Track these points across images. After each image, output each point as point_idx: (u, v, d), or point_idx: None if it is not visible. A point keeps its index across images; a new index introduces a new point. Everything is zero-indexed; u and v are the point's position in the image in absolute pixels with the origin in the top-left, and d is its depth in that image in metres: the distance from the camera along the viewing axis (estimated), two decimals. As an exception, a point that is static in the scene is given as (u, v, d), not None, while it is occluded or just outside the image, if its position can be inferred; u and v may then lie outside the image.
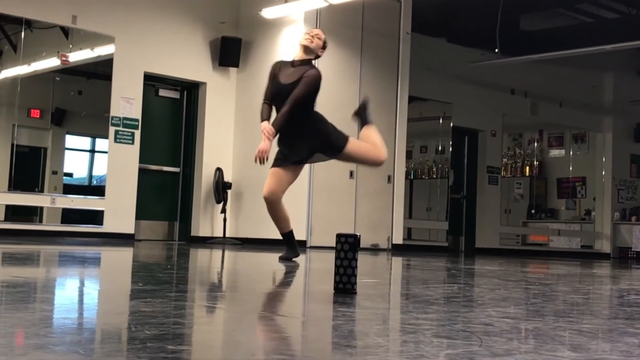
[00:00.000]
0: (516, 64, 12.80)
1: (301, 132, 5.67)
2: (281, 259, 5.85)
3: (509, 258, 10.32)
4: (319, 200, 10.46)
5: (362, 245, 9.87)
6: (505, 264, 7.78)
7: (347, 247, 2.95)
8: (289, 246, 5.90)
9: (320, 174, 10.44)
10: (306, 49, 5.79)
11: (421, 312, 2.51)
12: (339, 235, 2.98)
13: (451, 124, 13.14)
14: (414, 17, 11.33)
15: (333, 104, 10.77)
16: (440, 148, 13.54)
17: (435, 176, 13.47)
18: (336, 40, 10.80)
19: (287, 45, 10.68)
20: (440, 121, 13.35)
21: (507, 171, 14.99)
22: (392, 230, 11.09)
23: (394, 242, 11.05)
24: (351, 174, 10.82)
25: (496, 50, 11.76)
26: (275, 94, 5.68)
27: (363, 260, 6.70)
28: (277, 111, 5.66)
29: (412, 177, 13.41)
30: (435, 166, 13.51)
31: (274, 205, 5.69)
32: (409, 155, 12.33)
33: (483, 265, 7.27)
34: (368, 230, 10.67)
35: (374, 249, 10.67)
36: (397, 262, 7.45)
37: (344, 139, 5.87)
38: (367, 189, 10.93)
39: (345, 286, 2.92)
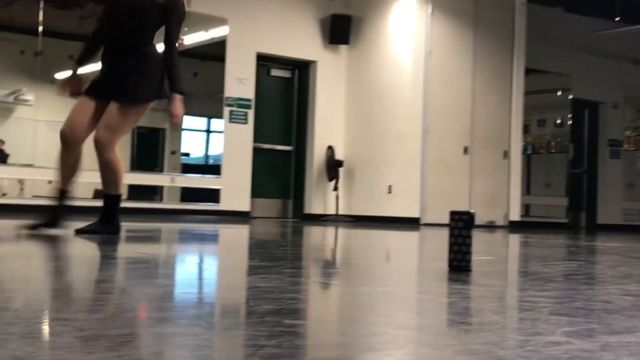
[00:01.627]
0: (638, 33, 12.25)
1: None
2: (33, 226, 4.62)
3: (632, 235, 9.95)
4: (432, 176, 10.36)
5: (477, 222, 9.74)
6: (628, 240, 7.50)
7: (461, 225, 2.91)
8: (58, 211, 4.69)
9: (433, 150, 10.34)
10: None
11: (538, 290, 2.46)
12: (452, 213, 2.94)
13: (570, 97, 12.73)
14: (530, -14, 11.01)
15: (446, 78, 10.64)
16: (558, 121, 13.14)
17: (553, 150, 13.09)
18: (448, 13, 10.63)
19: (397, 21, 10.58)
20: (559, 94, 12.95)
21: (630, 144, 14.39)
22: (508, 207, 10.87)
23: (510, 219, 10.84)
24: (465, 149, 10.66)
25: (616, 18, 11.28)
26: (113, 29, 4.59)
27: (478, 238, 6.61)
28: (108, 50, 4.61)
29: (529, 152, 13.08)
30: (554, 140, 13.13)
31: (69, 146, 4.57)
32: (526, 129, 12.02)
33: (604, 242, 7.04)
34: (484, 207, 10.50)
35: (490, 226, 10.50)
36: (514, 239, 7.31)
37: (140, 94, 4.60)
38: (482, 164, 10.75)
39: (459, 263, 2.88)
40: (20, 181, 9.83)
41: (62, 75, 10.71)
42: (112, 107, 4.46)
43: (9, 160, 9.79)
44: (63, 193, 4.66)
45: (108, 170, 4.55)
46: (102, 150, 4.47)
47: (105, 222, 4.60)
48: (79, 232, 4.52)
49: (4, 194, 9.63)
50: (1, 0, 9.71)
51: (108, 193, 4.64)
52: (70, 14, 10.45)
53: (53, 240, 4.12)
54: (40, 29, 9.58)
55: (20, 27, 10.12)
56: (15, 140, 10.05)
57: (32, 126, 9.94)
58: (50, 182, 9.80)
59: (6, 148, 9.97)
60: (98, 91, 4.54)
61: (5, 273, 2.57)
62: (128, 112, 4.53)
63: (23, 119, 10.09)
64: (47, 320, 1.55)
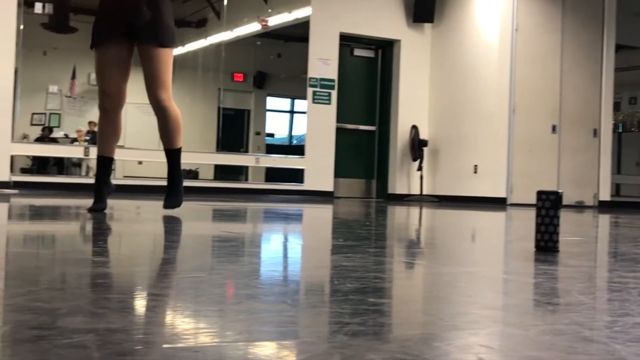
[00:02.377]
0: None
1: None
2: (91, 210, 4.49)
3: None
4: (519, 156, 10.19)
5: (565, 202, 9.54)
6: None
7: (548, 205, 2.87)
8: (104, 186, 4.54)
9: (520, 129, 10.16)
10: None
11: (628, 271, 2.40)
12: (539, 193, 2.89)
13: (663, 73, 12.30)
14: (621, -41, 10.65)
15: (534, 55, 10.42)
16: (651, 99, 12.72)
17: (645, 129, 12.68)
18: (535, -10, 10.39)
19: (483, -2, 10.41)
20: (651, 70, 12.52)
21: None
22: (598, 187, 10.61)
23: (600, 199, 10.58)
24: (553, 128, 10.44)
25: None
26: None
27: (566, 218, 6.47)
28: None
29: (620, 130, 12.70)
30: (646, 118, 12.72)
31: (111, 115, 4.49)
32: (616, 107, 11.69)
33: (699, 223, 6.79)
34: (572, 186, 10.28)
35: (579, 206, 10.27)
36: (604, 219, 7.13)
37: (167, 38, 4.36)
38: (570, 143, 10.52)
39: (546, 244, 2.84)
40: (112, 162, 10.12)
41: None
42: (156, 60, 4.29)
43: (101, 142, 10.08)
44: (107, 161, 4.57)
45: (175, 124, 4.49)
46: (168, 109, 4.41)
47: (176, 185, 4.59)
48: (167, 207, 4.61)
49: (97, 175, 9.94)
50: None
51: (173, 147, 4.58)
52: None
53: (136, 218, 4.24)
54: (129, 13, 9.81)
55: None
56: (107, 122, 10.34)
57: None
58: (140, 162, 10.08)
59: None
60: (113, 33, 4.25)
61: (101, 250, 2.67)
62: (169, 56, 4.38)
63: (113, 101, 10.36)
64: (141, 295, 1.60)
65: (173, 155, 4.60)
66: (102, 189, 4.48)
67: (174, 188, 4.62)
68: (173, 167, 4.63)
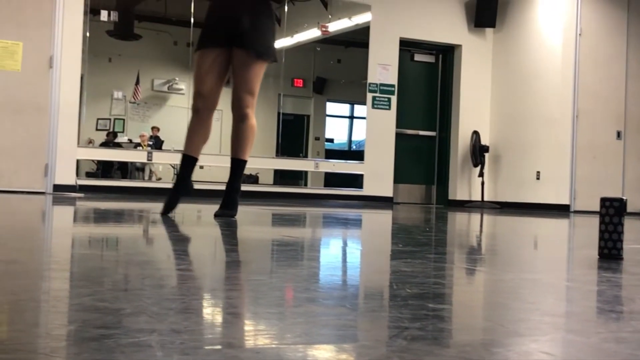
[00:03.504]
0: None
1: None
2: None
3: None
4: (583, 162, 10.02)
5: (630, 209, 9.33)
6: None
7: (612, 212, 2.81)
8: (183, 182, 4.69)
9: (584, 135, 9.99)
10: None
11: (697, 280, 2.34)
12: (603, 199, 2.84)
13: None
14: (690, -39, 10.39)
15: (599, 60, 10.23)
16: None
17: None
18: (600, -7, 10.21)
19: (545, 2, 10.27)
20: None
21: None
22: (664, 194, 10.36)
23: (666, 207, 10.32)
24: (618, 134, 10.23)
25: None
26: None
27: (631, 226, 6.33)
28: None
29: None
30: None
31: (203, 114, 4.57)
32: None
33: None
34: (637, 193, 10.06)
35: (644, 214, 10.03)
36: (670, 227, 6.94)
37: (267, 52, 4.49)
38: (636, 149, 10.29)
39: (610, 252, 2.79)
40: (174, 166, 10.28)
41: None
42: (248, 68, 4.37)
43: (164, 147, 10.25)
44: (191, 161, 4.64)
45: (250, 134, 4.58)
46: (248, 116, 4.50)
47: (233, 196, 4.59)
48: (217, 215, 4.58)
49: (159, 179, 10.10)
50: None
51: (241, 158, 4.61)
52: (219, 5, 10.80)
53: (198, 222, 4.29)
54: (192, 20, 9.95)
55: (174, 19, 10.55)
56: (169, 128, 10.52)
57: (184, 114, 10.36)
58: (201, 167, 10.23)
59: (161, 134, 10.45)
60: (215, 38, 4.40)
61: (158, 255, 2.71)
62: (262, 69, 4.46)
63: (176, 106, 10.53)
64: (203, 297, 1.63)
65: (238, 165, 4.63)
66: (179, 190, 4.62)
67: (231, 198, 4.63)
68: (234, 177, 4.65)
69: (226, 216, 4.58)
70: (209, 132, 4.62)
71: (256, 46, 4.35)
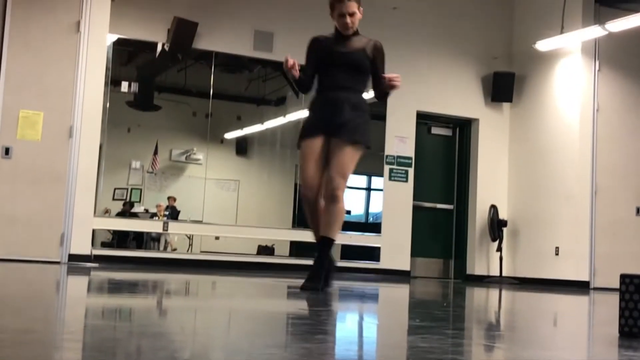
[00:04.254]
0: None
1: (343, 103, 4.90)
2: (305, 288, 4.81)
3: None
4: (602, 238, 9.91)
5: (650, 286, 9.17)
6: None
7: (632, 289, 2.76)
8: (321, 266, 4.91)
9: (603, 212, 9.92)
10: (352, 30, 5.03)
11: None
12: (623, 276, 2.79)
13: None
14: None
15: (617, 136, 10.22)
16: None
17: None
18: (617, 70, 10.27)
19: (563, 78, 10.34)
20: None
21: None
22: (685, 271, 10.19)
23: (687, 284, 10.14)
24: (638, 210, 10.15)
25: None
26: (332, 70, 4.97)
27: (653, 303, 6.20)
28: (328, 87, 4.96)
29: None
30: None
31: (311, 199, 4.87)
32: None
33: None
34: (657, 270, 9.90)
35: (665, 291, 9.86)
36: (693, 305, 6.80)
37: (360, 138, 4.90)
38: (657, 225, 10.18)
39: (631, 330, 2.72)
40: (190, 237, 10.26)
41: (231, 135, 11.21)
42: (343, 152, 4.74)
43: (180, 217, 10.26)
44: (325, 241, 4.86)
45: (338, 215, 4.80)
46: (338, 199, 4.75)
47: (322, 269, 4.81)
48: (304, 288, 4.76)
49: (174, 249, 10.08)
50: (177, 65, 10.32)
51: (330, 237, 4.81)
52: (238, 77, 10.95)
53: (212, 294, 4.24)
54: (211, 91, 10.08)
55: (193, 90, 10.69)
56: (186, 198, 10.54)
57: (201, 184, 10.40)
58: (217, 238, 10.21)
59: (177, 205, 10.47)
60: (318, 129, 4.82)
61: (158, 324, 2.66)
62: (357, 155, 4.84)
63: (193, 177, 10.57)
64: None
65: (326, 243, 4.83)
66: (319, 269, 4.83)
67: (316, 272, 4.81)
68: (322, 254, 4.85)
69: (310, 289, 4.71)
70: (320, 210, 4.88)
71: (351, 133, 4.78)
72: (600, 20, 9.67)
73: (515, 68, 11.09)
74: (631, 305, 2.74)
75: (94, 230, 8.89)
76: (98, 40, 8.55)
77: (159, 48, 9.49)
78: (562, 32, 9.93)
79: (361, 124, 4.87)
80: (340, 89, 4.91)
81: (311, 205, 4.84)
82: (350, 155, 4.76)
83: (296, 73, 4.83)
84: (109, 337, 2.05)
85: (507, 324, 3.76)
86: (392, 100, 10.61)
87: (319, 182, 4.79)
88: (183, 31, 9.18)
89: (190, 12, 9.30)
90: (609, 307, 5.56)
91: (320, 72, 5.00)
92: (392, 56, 10.54)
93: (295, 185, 10.67)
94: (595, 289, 9.62)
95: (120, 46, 9.45)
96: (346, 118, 4.78)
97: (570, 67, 10.25)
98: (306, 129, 4.91)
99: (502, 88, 11.03)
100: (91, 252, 8.61)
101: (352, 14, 4.95)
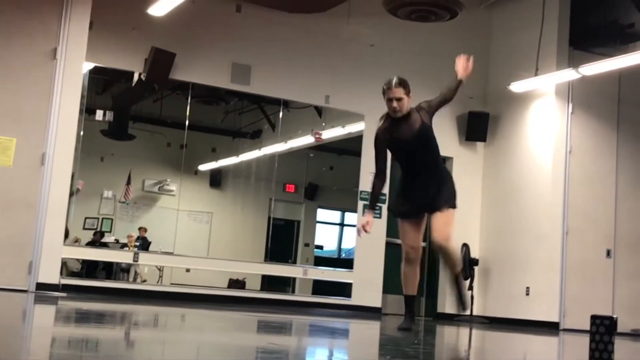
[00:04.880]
0: None
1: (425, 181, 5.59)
2: (401, 329, 5.59)
3: None
4: (572, 280, 9.95)
5: (620, 329, 9.20)
6: None
7: (602, 330, 2.76)
8: (411, 313, 5.75)
9: (574, 253, 9.97)
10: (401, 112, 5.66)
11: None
12: (593, 317, 2.80)
13: None
14: (677, 86, 10.63)
15: (589, 178, 10.32)
16: None
17: None
18: (590, 113, 10.40)
19: (536, 120, 10.45)
20: None
21: None
22: (655, 315, 10.25)
23: (657, 328, 10.19)
24: (608, 252, 10.22)
25: None
26: (402, 157, 5.72)
27: (621, 345, 6.22)
28: (405, 175, 5.67)
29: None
30: None
31: (413, 264, 5.66)
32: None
33: None
34: (628, 313, 9.95)
35: (635, 335, 9.91)
36: (662, 349, 6.84)
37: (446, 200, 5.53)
38: (626, 269, 10.25)
39: (604, 371, 2.71)
40: (160, 268, 10.17)
41: (205, 167, 11.15)
42: (440, 219, 5.39)
43: (151, 248, 10.17)
44: (413, 298, 5.72)
45: (454, 256, 5.51)
46: (447, 245, 5.42)
47: (462, 297, 5.59)
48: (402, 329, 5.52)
49: (144, 281, 9.97)
50: (153, 95, 10.31)
51: (458, 270, 5.54)
52: (215, 109, 10.95)
53: (181, 326, 4.17)
54: (187, 122, 10.05)
55: (169, 120, 10.67)
56: (158, 229, 10.46)
57: (173, 215, 10.34)
58: (187, 270, 10.13)
59: (149, 235, 10.38)
60: (414, 213, 5.52)
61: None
62: (452, 215, 5.47)
63: (166, 208, 10.51)
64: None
65: (458, 276, 5.58)
66: (412, 313, 5.70)
67: (411, 315, 5.67)
68: (455, 286, 5.61)
69: (406, 329, 5.50)
70: (419, 273, 5.73)
71: (448, 202, 5.43)
72: (574, 63, 9.80)
73: (490, 108, 11.19)
74: (601, 346, 2.74)
75: (63, 260, 8.77)
76: (74, 67, 8.51)
77: (136, 77, 9.46)
78: (536, 74, 10.04)
79: (446, 192, 5.49)
80: (420, 172, 5.56)
81: (412, 265, 5.62)
82: (448, 218, 5.42)
83: (369, 228, 5.63)
84: (74, 368, 2.00)
85: (478, 363, 3.74)
86: (367, 137, 10.65)
87: (420, 246, 5.65)
88: (160, 61, 9.16)
89: (168, 43, 9.29)
90: (579, 347, 5.56)
91: (395, 159, 5.79)
92: (367, 92, 10.64)
93: (269, 218, 10.63)
94: (565, 329, 9.63)
95: (96, 74, 9.41)
96: (435, 195, 5.42)
97: (544, 109, 10.36)
98: (403, 213, 5.60)
99: (476, 127, 11.11)
100: (59, 281, 8.48)
101: (399, 99, 5.57)
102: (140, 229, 10.36)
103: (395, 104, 5.54)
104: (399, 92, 5.57)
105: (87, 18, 8.56)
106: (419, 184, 5.52)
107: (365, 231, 5.55)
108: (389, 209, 5.89)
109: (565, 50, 10.17)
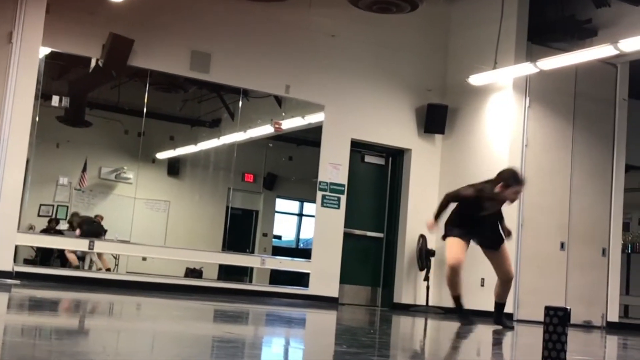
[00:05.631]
0: None
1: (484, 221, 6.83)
2: (468, 324, 6.70)
3: None
4: (527, 272, 10.08)
5: (573, 320, 9.33)
6: None
7: (556, 321, 2.80)
8: (463, 310, 6.85)
9: (529, 245, 10.10)
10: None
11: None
12: (547, 308, 2.84)
13: (676, 196, 12.28)
14: (631, 82, 10.81)
15: (544, 172, 10.45)
16: (661, 220, 12.69)
17: (655, 250, 12.61)
18: (547, 107, 10.53)
19: (494, 112, 10.55)
20: (661, 192, 12.53)
21: None
22: (606, 307, 10.44)
23: (608, 320, 10.39)
24: (562, 245, 10.37)
25: None
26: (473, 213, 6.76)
27: (574, 337, 6.32)
28: (471, 212, 6.76)
29: (629, 251, 12.62)
30: (656, 239, 12.66)
31: (459, 272, 6.66)
32: (626, 227, 11.63)
33: None
34: (580, 305, 10.12)
35: (587, 326, 10.09)
36: (612, 340, 6.99)
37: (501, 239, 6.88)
38: (579, 261, 10.41)
39: (555, 361, 2.76)
40: (116, 256, 10.07)
41: (163, 155, 11.06)
42: (500, 254, 6.75)
43: (107, 236, 10.06)
44: (460, 298, 6.74)
45: (508, 289, 6.88)
46: (511, 281, 6.91)
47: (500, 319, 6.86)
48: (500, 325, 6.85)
49: (99, 269, 9.87)
50: (110, 82, 10.18)
51: (503, 302, 6.93)
52: (173, 97, 10.86)
53: (137, 315, 4.14)
54: (145, 110, 9.95)
55: (126, 107, 10.55)
56: (113, 217, 10.35)
57: (130, 203, 10.24)
58: (144, 259, 10.04)
59: (105, 223, 10.27)
60: (469, 238, 6.70)
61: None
62: (505, 247, 6.84)
63: (122, 196, 10.41)
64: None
65: (502, 307, 6.95)
66: (468, 312, 6.89)
67: (465, 313, 6.87)
68: (500, 314, 6.92)
69: (469, 324, 6.72)
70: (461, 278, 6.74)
71: (499, 242, 6.76)
72: (532, 57, 9.91)
73: (449, 101, 11.27)
74: (555, 337, 2.78)
75: (16, 246, 8.64)
76: (30, 52, 8.37)
77: (93, 63, 9.32)
78: (495, 68, 10.14)
79: (500, 232, 6.81)
80: (485, 213, 6.70)
81: (458, 274, 6.59)
82: (504, 252, 6.78)
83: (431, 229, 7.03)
84: (28, 356, 1.97)
85: (432, 352, 3.78)
86: (327, 128, 10.67)
87: (464, 257, 6.63)
88: (118, 48, 9.05)
89: (127, 29, 9.18)
90: (533, 338, 5.65)
91: (465, 209, 6.85)
92: (328, 83, 10.65)
93: (227, 207, 10.59)
94: (519, 320, 9.76)
95: (52, 59, 9.25)
96: (497, 235, 6.77)
97: (501, 102, 10.46)
98: (458, 232, 6.67)
99: (435, 120, 11.18)
100: (13, 269, 8.37)
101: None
102: (96, 216, 10.24)
103: (518, 196, 6.80)
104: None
105: (44, 1, 8.42)
106: (480, 222, 6.72)
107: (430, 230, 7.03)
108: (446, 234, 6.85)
109: (523, 45, 10.28)
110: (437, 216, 6.82)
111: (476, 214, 6.71)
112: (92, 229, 10.02)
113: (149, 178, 10.72)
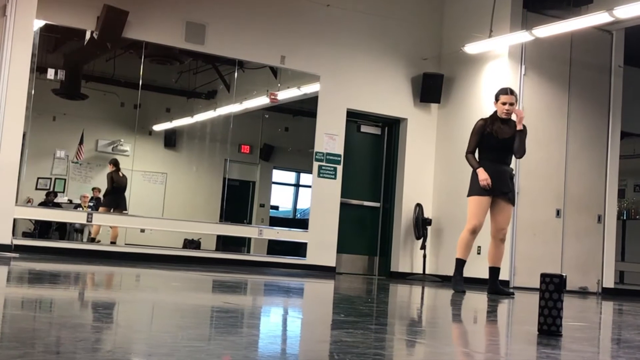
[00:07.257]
0: None
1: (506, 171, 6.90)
2: (460, 291, 6.85)
3: None
4: (523, 239, 10.15)
5: (568, 287, 9.43)
6: None
7: (552, 288, 2.84)
8: (461, 275, 6.96)
9: (525, 212, 10.15)
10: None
11: (632, 358, 2.36)
12: (543, 275, 2.88)
13: (668, 162, 12.33)
14: (627, 49, 10.80)
15: (539, 139, 10.48)
16: (655, 187, 12.75)
17: (650, 216, 12.68)
18: (542, 75, 10.53)
19: (489, 81, 10.55)
20: (656, 158, 12.58)
21: None
22: (602, 273, 10.53)
23: (604, 286, 10.48)
24: (557, 212, 10.43)
25: None
26: (495, 148, 6.81)
27: (569, 303, 6.40)
28: (492, 160, 6.80)
29: (624, 217, 12.69)
30: (650, 206, 12.72)
31: (475, 235, 6.84)
32: (621, 194, 11.69)
33: None
34: (576, 271, 10.21)
35: (582, 292, 10.18)
36: (608, 306, 7.05)
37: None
38: (575, 228, 10.48)
39: (549, 328, 2.81)
40: (111, 228, 10.10)
41: (159, 127, 11.07)
42: (507, 211, 6.78)
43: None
44: (463, 264, 6.91)
45: (502, 251, 6.89)
46: (504, 240, 6.87)
47: (497, 287, 6.88)
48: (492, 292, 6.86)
49: (98, 241, 9.92)
50: (106, 54, 10.15)
51: (499, 266, 6.91)
52: (169, 69, 10.83)
53: (135, 286, 4.18)
54: (140, 82, 9.93)
55: (122, 80, 10.53)
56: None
57: (127, 176, 10.26)
58: (142, 230, 10.09)
59: (102, 196, 10.30)
60: (489, 192, 6.67)
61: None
62: (512, 210, 6.90)
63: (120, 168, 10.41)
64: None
65: (497, 271, 6.92)
66: (459, 285, 6.90)
67: (459, 279, 6.92)
68: (495, 279, 6.91)
69: (462, 291, 6.82)
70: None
71: (512, 199, 6.83)
72: (527, 25, 9.89)
73: (444, 70, 11.26)
74: (550, 304, 2.82)
75: (15, 220, 8.68)
76: (25, 25, 8.34)
77: (88, 36, 9.30)
78: (490, 36, 10.12)
79: (513, 191, 6.91)
80: (503, 163, 6.81)
81: (474, 236, 6.78)
82: (510, 213, 6.84)
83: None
84: (28, 328, 2.01)
85: (429, 320, 3.83)
86: (322, 99, 10.67)
87: (483, 220, 6.73)
88: (113, 19, 9.02)
89: (121, 1, 9.15)
90: (528, 305, 5.71)
91: (485, 147, 6.85)
92: (323, 53, 10.63)
93: (224, 179, 10.62)
94: (515, 287, 9.85)
95: (47, 32, 9.23)
96: (509, 188, 6.76)
97: (497, 71, 10.46)
98: (480, 189, 6.68)
99: (430, 89, 11.19)
100: (12, 242, 8.41)
101: (511, 104, 6.81)
102: (94, 189, 10.27)
103: (508, 107, 6.81)
104: (513, 99, 6.83)
105: (37, -26, 8.37)
106: (501, 171, 6.75)
107: (489, 185, 6.63)
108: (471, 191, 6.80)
109: (518, 12, 10.25)
110: (478, 167, 6.75)
111: (496, 146, 6.76)
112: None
113: (145, 150, 10.72)
